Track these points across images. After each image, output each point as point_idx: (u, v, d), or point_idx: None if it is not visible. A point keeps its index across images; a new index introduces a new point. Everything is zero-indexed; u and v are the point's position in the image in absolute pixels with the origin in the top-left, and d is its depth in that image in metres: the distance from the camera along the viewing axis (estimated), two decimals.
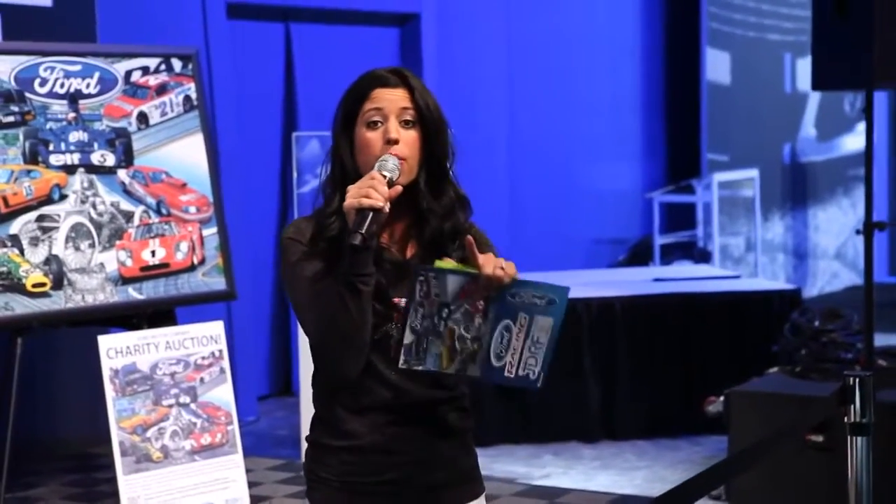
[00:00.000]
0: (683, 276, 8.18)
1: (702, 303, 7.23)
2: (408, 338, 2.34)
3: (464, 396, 2.56)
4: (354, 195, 2.32)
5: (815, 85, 5.75)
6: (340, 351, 2.37)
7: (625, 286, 7.54)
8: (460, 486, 2.54)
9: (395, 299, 2.43)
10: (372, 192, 2.30)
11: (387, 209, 2.33)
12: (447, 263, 2.36)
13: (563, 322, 2.34)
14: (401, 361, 2.35)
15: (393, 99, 2.44)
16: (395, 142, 2.41)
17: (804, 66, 11.14)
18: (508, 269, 2.33)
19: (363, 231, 2.28)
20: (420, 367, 2.36)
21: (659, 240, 10.15)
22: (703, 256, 10.20)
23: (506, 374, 2.37)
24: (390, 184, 2.36)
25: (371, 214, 2.30)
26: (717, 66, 10.69)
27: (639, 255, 10.28)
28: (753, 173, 10.61)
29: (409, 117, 2.44)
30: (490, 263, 2.32)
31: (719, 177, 10.30)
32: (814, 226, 11.55)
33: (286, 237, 2.47)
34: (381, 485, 2.46)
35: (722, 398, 6.03)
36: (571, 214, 9.97)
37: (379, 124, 2.43)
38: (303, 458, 5.39)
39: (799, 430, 4.38)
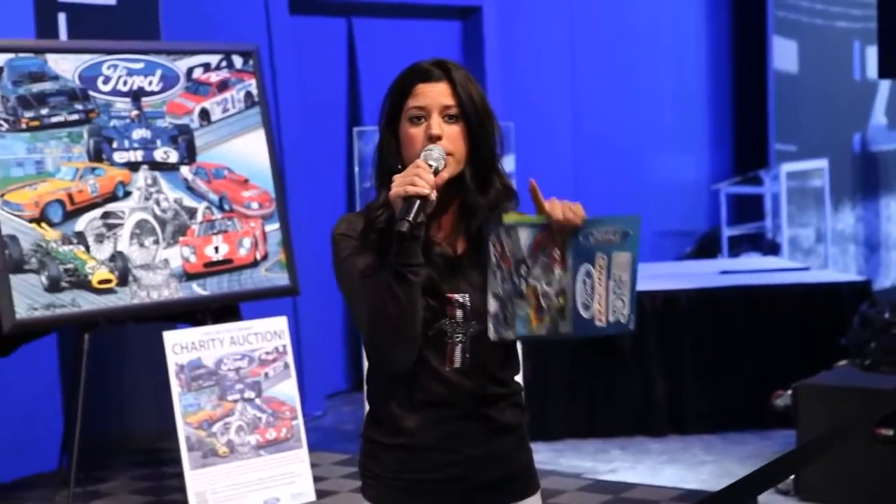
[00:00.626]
0: (750, 269, 8.10)
1: (769, 295, 7.15)
2: (492, 306, 2.32)
3: (519, 392, 2.54)
4: (400, 184, 2.30)
5: (882, 73, 5.67)
6: (391, 342, 2.36)
7: (691, 279, 7.48)
8: (515, 483, 2.51)
9: (449, 294, 2.41)
10: (417, 179, 2.29)
11: (433, 197, 2.32)
12: (514, 217, 2.33)
13: (639, 254, 2.32)
14: (491, 333, 2.32)
15: (435, 94, 2.42)
16: (438, 138, 2.39)
17: (874, 54, 10.96)
18: (577, 209, 2.33)
19: (410, 218, 2.27)
20: (511, 336, 2.32)
21: (726, 232, 10.05)
22: (772, 248, 10.08)
23: (597, 323, 2.32)
24: (436, 173, 2.34)
25: (417, 202, 2.29)
26: (784, 54, 10.57)
27: (706, 248, 10.18)
28: (823, 163, 10.46)
29: (452, 112, 2.42)
30: (557, 207, 2.32)
31: (788, 167, 10.17)
32: (886, 216, 11.37)
33: (337, 233, 2.46)
34: (435, 482, 2.45)
35: (790, 392, 5.97)
36: (637, 207, 9.88)
37: (422, 120, 2.42)
38: None
39: (866, 423, 4.32)
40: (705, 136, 10.59)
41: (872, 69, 10.99)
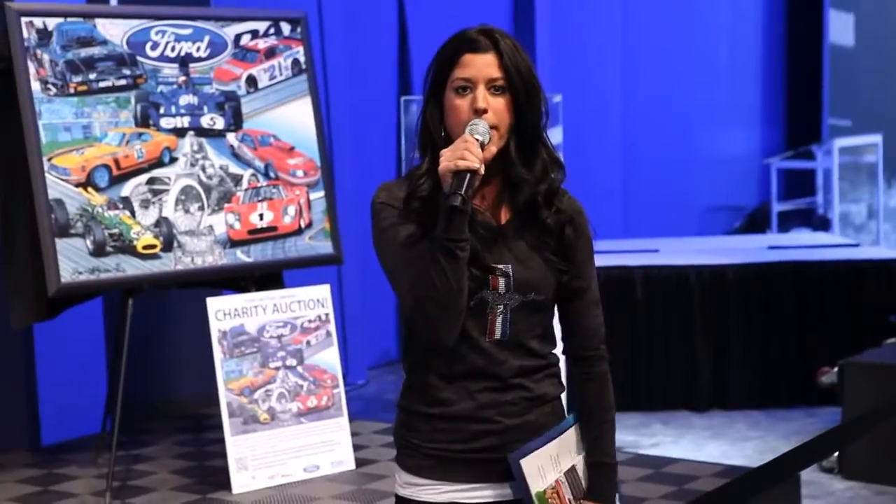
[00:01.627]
0: (799, 244, 8.03)
1: (817, 271, 7.09)
2: None
3: (557, 364, 2.54)
4: (449, 158, 2.30)
5: None
6: (437, 317, 2.35)
7: (738, 254, 7.42)
8: None
9: (492, 264, 2.41)
10: (467, 153, 2.29)
11: (482, 171, 2.31)
12: None
13: None
14: None
15: (482, 65, 2.39)
16: (484, 111, 2.38)
17: None
18: None
19: (462, 192, 2.27)
20: None
21: (777, 207, 9.97)
22: (823, 224, 9.99)
23: None
24: (482, 147, 2.34)
25: (468, 176, 2.29)
26: (840, 28, 10.45)
27: (756, 223, 10.12)
28: (877, 139, 10.34)
29: (498, 84, 2.40)
30: None
31: (841, 142, 10.07)
32: None
33: (378, 201, 2.46)
34: (472, 452, 2.45)
35: (836, 369, 5.92)
36: (687, 180, 9.83)
37: (468, 91, 2.40)
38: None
39: None
40: (758, 110, 10.50)
41: None
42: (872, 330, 6.61)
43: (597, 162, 8.88)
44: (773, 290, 7.01)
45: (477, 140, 2.33)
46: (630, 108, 9.35)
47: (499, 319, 2.42)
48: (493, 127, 2.38)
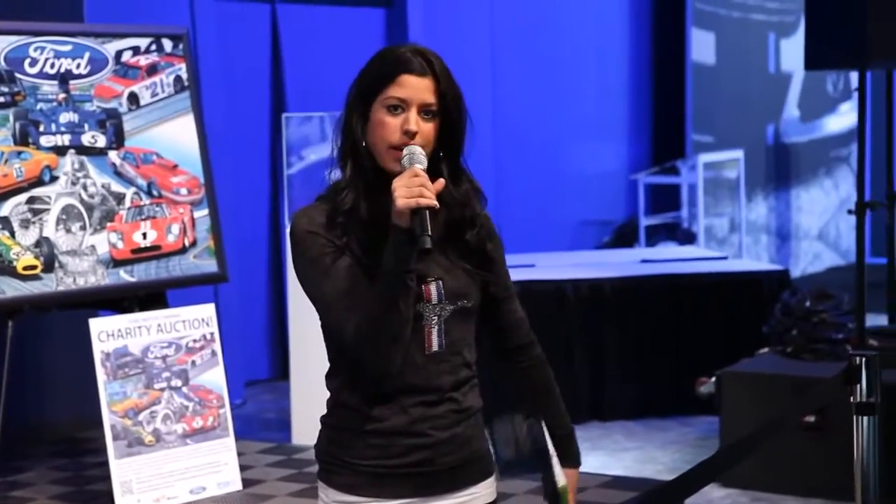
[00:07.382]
0: (672, 258, 8.19)
1: (691, 284, 7.24)
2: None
3: (477, 376, 2.58)
4: (407, 195, 2.30)
5: (808, 65, 5.74)
6: (388, 350, 2.37)
7: (613, 267, 7.54)
8: (476, 466, 2.55)
9: (424, 286, 2.44)
10: (425, 191, 2.31)
11: (437, 205, 2.34)
12: None
13: None
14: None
15: (419, 88, 2.42)
16: (414, 134, 2.40)
17: (788, 47, 11.15)
18: None
19: (430, 233, 2.29)
20: None
21: (644, 221, 10.14)
22: (688, 237, 10.19)
23: None
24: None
25: (428, 213, 2.30)
26: (702, 46, 10.68)
27: (624, 237, 10.26)
28: (738, 154, 10.60)
29: (431, 109, 2.43)
30: None
31: (704, 158, 10.29)
32: (797, 206, 11.57)
33: (303, 230, 2.44)
34: (404, 466, 2.46)
35: (713, 379, 6.04)
36: (556, 196, 9.94)
37: (399, 111, 2.42)
38: (293, 440, 5.27)
39: (801, 412, 4.37)
40: (624, 125, 10.67)
41: (787, 62, 11.17)
42: (747, 340, 6.76)
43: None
44: (648, 303, 7.13)
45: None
46: (500, 124, 9.42)
47: (434, 331, 2.45)
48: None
